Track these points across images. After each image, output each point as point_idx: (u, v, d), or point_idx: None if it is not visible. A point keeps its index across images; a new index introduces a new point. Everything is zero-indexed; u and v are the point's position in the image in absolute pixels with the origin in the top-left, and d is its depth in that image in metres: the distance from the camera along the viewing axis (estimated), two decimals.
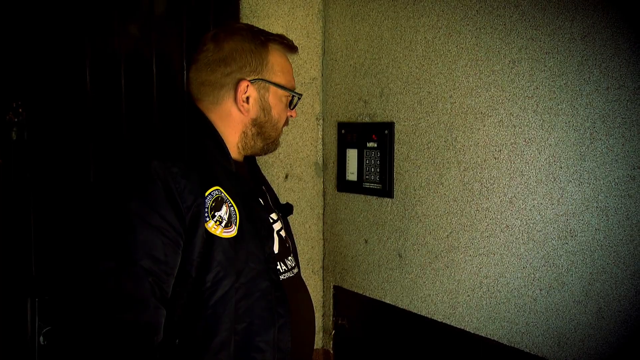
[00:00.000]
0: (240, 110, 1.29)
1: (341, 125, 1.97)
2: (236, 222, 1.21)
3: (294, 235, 1.53)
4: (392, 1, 1.77)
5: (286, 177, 1.99)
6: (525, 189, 1.44)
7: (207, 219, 1.16)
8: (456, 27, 1.58)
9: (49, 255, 1.57)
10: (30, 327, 1.54)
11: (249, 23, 1.85)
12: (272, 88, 1.30)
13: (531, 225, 1.43)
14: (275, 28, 1.92)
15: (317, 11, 2.03)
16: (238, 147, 1.32)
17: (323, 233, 2.09)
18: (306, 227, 2.04)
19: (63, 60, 1.58)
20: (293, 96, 1.35)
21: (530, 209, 1.43)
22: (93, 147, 1.63)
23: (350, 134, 1.93)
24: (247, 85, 1.27)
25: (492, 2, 1.49)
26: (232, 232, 1.20)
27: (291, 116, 1.38)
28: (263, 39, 1.30)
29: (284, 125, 1.37)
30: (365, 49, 1.87)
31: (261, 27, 1.89)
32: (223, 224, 1.18)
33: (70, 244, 1.56)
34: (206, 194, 1.16)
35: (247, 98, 1.28)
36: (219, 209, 1.18)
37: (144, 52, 1.71)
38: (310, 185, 2.06)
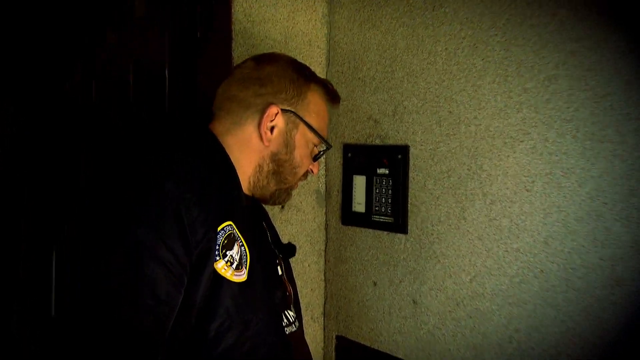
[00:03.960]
0: (261, 138, 1.30)
1: (347, 148, 1.97)
2: (246, 264, 1.22)
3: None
4: (409, 6, 1.77)
5: (282, 207, 1.98)
6: (563, 228, 1.42)
7: (217, 258, 1.15)
8: (482, 37, 1.58)
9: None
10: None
11: (243, 28, 1.86)
12: (302, 127, 1.33)
13: (570, 271, 1.41)
14: (273, 34, 1.93)
15: (321, 16, 2.03)
16: (249, 182, 1.33)
17: (325, 273, 2.08)
18: (305, 265, 2.03)
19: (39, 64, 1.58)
20: (320, 149, 1.39)
21: (569, 252, 1.41)
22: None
23: (358, 158, 1.93)
24: (277, 113, 1.30)
25: (525, 10, 1.48)
26: (243, 276, 1.20)
27: (312, 171, 1.40)
28: (308, 74, 1.35)
29: (301, 178, 1.39)
30: (377, 60, 1.87)
31: (256, 33, 1.93)
32: (234, 266, 1.18)
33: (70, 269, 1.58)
34: (219, 228, 1.17)
35: (273, 128, 1.30)
36: (231, 248, 1.18)
37: (119, 60, 1.69)
38: (311, 217, 2.05)
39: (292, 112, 1.31)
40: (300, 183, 1.45)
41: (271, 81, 1.31)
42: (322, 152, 1.40)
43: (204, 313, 1.15)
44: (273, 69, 1.32)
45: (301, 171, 1.37)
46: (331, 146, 1.41)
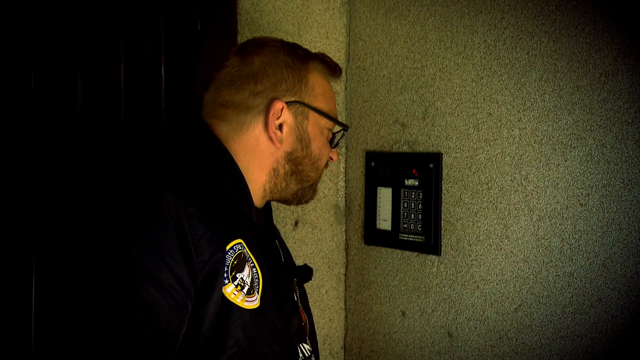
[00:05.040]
0: (271, 140, 1.32)
1: (370, 156, 1.97)
2: (259, 288, 1.22)
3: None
4: None
5: (296, 224, 1.98)
6: (625, 249, 1.41)
7: (227, 281, 1.16)
8: (527, 27, 1.58)
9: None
10: None
11: (250, 19, 1.87)
12: (312, 115, 1.36)
13: (634, 299, 1.40)
14: (284, 26, 1.93)
15: (340, 4, 2.04)
16: (264, 190, 1.36)
17: (345, 301, 2.07)
18: (322, 292, 2.02)
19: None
20: (335, 132, 1.42)
21: (632, 277, 1.40)
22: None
23: (383, 167, 1.94)
24: (282, 108, 1.31)
25: None
26: (255, 302, 1.21)
27: (331, 158, 1.44)
28: (302, 54, 1.36)
29: (324, 168, 1.43)
30: (404, 54, 1.88)
31: (265, 25, 1.93)
32: (245, 290, 1.19)
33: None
34: (227, 247, 1.17)
35: (281, 125, 1.32)
36: (241, 270, 1.19)
37: (106, 51, 1.70)
38: (328, 236, 2.05)
39: (297, 102, 1.33)
40: (320, 180, 1.50)
41: (266, 74, 1.31)
42: (339, 133, 1.43)
43: (211, 345, 1.15)
44: (263, 58, 1.33)
45: (322, 164, 1.41)
46: (348, 126, 1.46)
